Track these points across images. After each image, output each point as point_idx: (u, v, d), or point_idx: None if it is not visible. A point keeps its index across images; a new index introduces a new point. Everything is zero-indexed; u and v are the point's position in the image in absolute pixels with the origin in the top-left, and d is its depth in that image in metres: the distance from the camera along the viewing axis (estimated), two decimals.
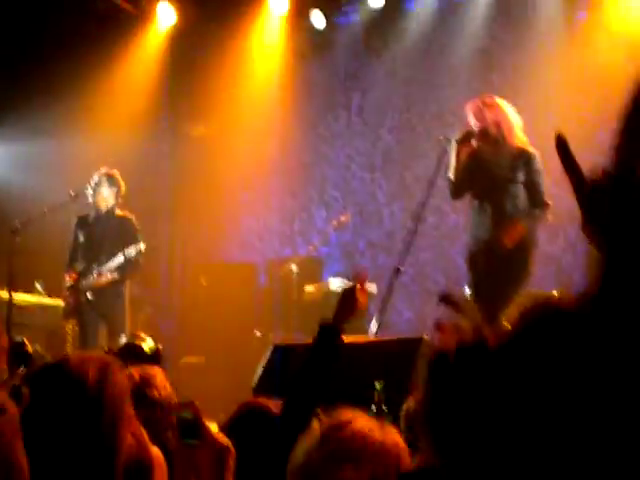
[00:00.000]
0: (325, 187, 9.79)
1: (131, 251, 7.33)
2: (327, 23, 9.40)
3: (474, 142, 6.04)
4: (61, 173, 8.19)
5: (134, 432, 1.97)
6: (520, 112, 8.72)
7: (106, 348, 5.54)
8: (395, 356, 4.45)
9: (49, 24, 9.07)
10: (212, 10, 9.58)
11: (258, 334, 8.62)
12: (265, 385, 4.70)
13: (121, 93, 9.58)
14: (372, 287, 7.77)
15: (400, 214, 9.03)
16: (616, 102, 1.09)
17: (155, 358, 4.09)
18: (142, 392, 2.76)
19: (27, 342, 4.16)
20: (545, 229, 8.29)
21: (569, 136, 1.16)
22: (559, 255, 8.19)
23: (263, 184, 10.01)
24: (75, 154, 8.21)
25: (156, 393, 2.83)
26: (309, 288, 8.25)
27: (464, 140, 6.02)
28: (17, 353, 3.67)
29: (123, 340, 4.31)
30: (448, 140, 6.07)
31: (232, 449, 2.67)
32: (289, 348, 4.91)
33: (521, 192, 5.98)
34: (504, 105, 6.11)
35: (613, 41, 7.85)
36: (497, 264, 5.85)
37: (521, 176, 5.97)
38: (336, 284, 8.16)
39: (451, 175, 6.08)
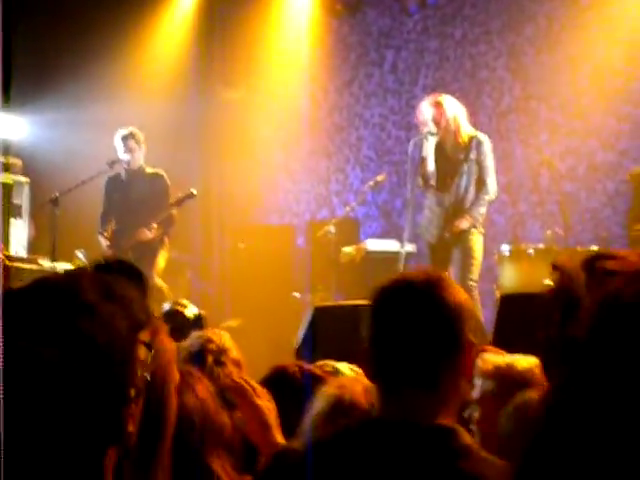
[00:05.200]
0: (360, 147, 9.75)
1: (163, 212, 7.39)
2: None
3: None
4: (98, 139, 8.21)
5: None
6: (559, 64, 8.59)
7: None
8: None
9: None
10: None
11: (297, 296, 8.65)
12: (307, 347, 4.73)
13: (153, 59, 9.58)
14: (412, 247, 7.76)
15: None
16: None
17: (198, 324, 4.11)
18: (222, 356, 3.05)
19: None
20: (583, 184, 8.22)
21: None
22: (598, 209, 8.11)
23: (298, 146, 9.99)
24: (110, 120, 8.22)
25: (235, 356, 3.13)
26: (347, 249, 8.25)
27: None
28: None
29: (166, 307, 4.32)
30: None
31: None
32: (330, 309, 4.94)
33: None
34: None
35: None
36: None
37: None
38: (373, 245, 8.15)
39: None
